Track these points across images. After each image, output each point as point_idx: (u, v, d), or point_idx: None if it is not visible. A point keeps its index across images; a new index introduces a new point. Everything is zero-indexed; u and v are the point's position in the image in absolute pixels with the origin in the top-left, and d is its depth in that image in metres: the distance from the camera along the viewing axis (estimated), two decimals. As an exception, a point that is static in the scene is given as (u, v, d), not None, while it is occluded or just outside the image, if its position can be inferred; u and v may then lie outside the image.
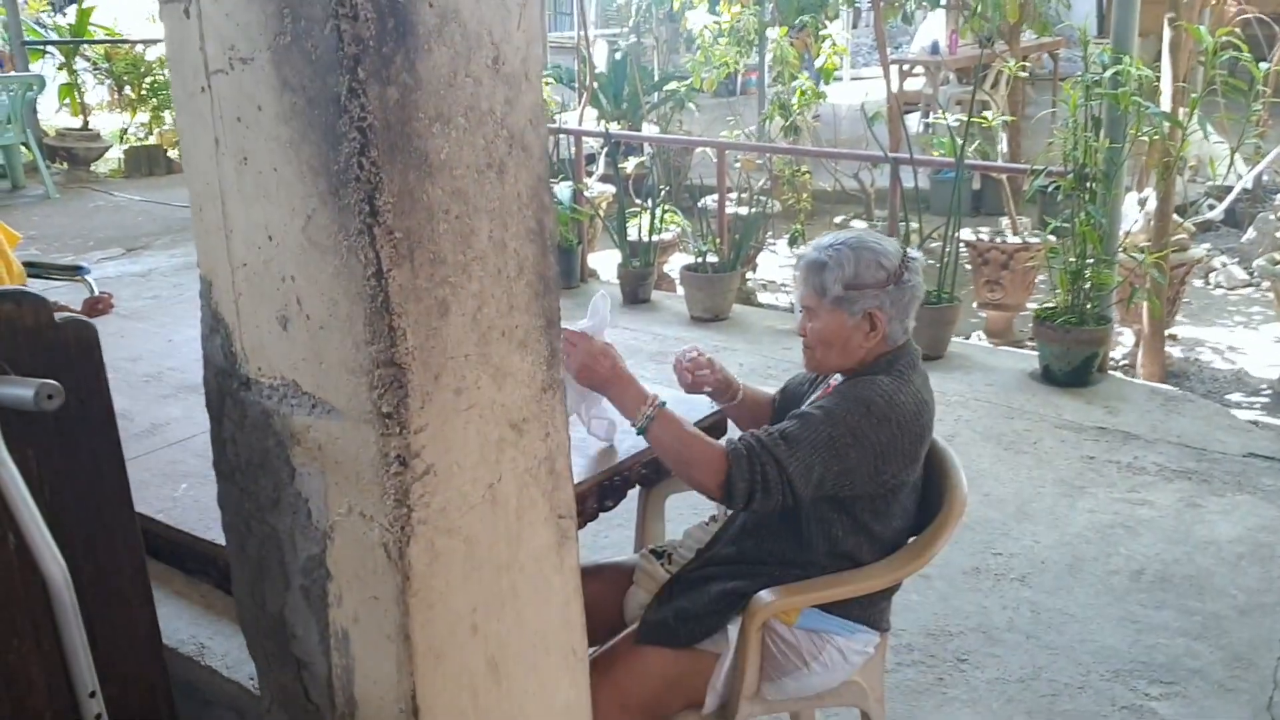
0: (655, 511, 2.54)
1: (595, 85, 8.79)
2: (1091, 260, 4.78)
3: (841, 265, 2.15)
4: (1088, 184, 4.75)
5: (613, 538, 3.41)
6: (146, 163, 10.17)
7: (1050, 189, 4.85)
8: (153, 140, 10.57)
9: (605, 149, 6.84)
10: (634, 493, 2.36)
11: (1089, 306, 4.84)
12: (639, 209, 6.41)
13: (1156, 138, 4.81)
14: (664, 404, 2.07)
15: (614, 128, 7.73)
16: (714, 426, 2.48)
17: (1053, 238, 5.18)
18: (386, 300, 1.16)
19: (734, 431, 2.35)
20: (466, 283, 1.25)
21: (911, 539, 2.20)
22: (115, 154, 10.58)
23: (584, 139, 6.91)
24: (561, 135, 6.62)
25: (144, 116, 10.72)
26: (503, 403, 1.33)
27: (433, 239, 1.20)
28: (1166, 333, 5.43)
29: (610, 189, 7.03)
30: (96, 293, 3.47)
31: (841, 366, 2.20)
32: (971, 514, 3.82)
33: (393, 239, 1.16)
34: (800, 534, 2.10)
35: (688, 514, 3.23)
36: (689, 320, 5.93)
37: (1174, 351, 5.71)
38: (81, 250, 7.52)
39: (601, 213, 6.81)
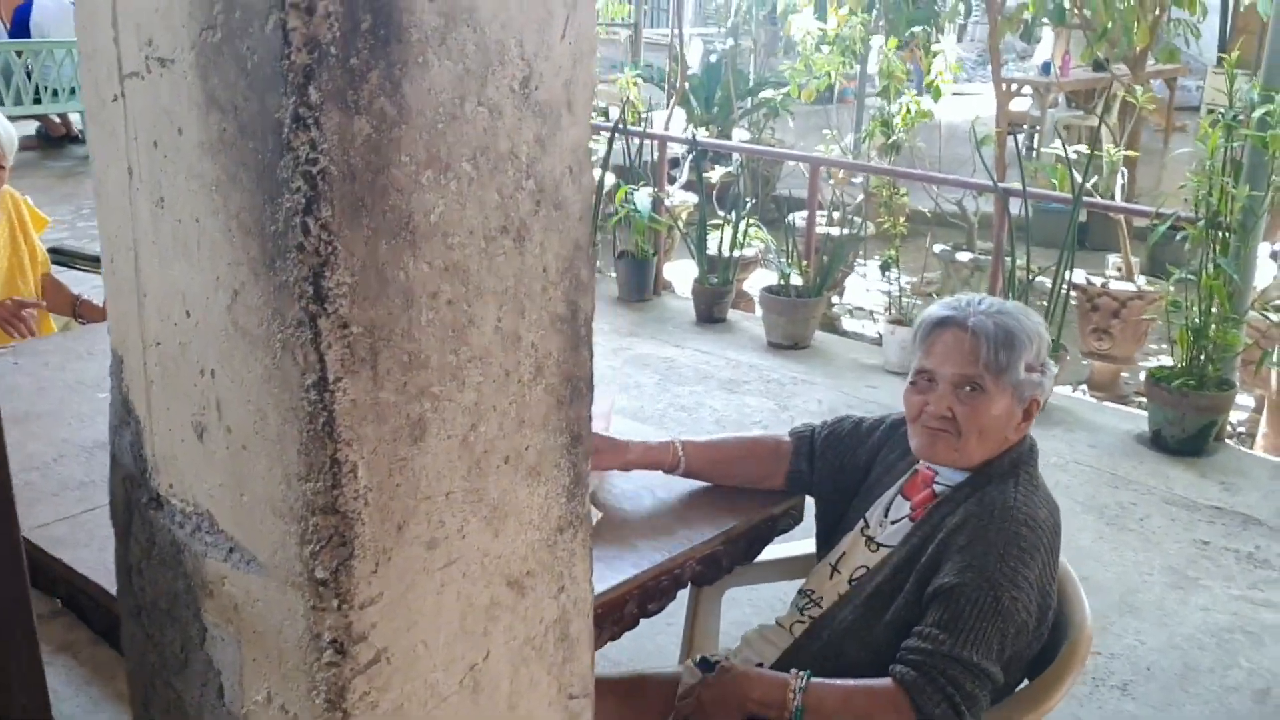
0: (709, 610, 2.17)
1: (686, 87, 8.42)
2: (1217, 318, 4.29)
3: (1032, 341, 1.81)
4: (1220, 233, 4.27)
5: (658, 641, 2.94)
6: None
7: (1177, 237, 4.38)
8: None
9: (690, 155, 6.46)
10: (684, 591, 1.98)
11: (1210, 369, 4.36)
12: (721, 221, 6.02)
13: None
14: (810, 675, 1.70)
15: (702, 133, 7.35)
16: (785, 514, 2.09)
17: (1172, 287, 4.70)
18: (330, 422, 0.81)
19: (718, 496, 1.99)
20: (457, 393, 0.89)
21: (1024, 681, 1.81)
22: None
23: (669, 144, 6.55)
24: (645, 139, 6.25)
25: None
26: (499, 554, 0.96)
27: (409, 335, 0.84)
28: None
29: (692, 198, 6.64)
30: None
31: (971, 461, 1.82)
32: (1068, 601, 3.39)
33: (346, 336, 0.80)
34: None
35: (748, 613, 2.85)
36: (766, 346, 5.53)
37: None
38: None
39: (681, 223, 6.43)
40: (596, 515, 1.91)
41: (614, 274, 6.30)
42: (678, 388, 4.95)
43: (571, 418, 1.02)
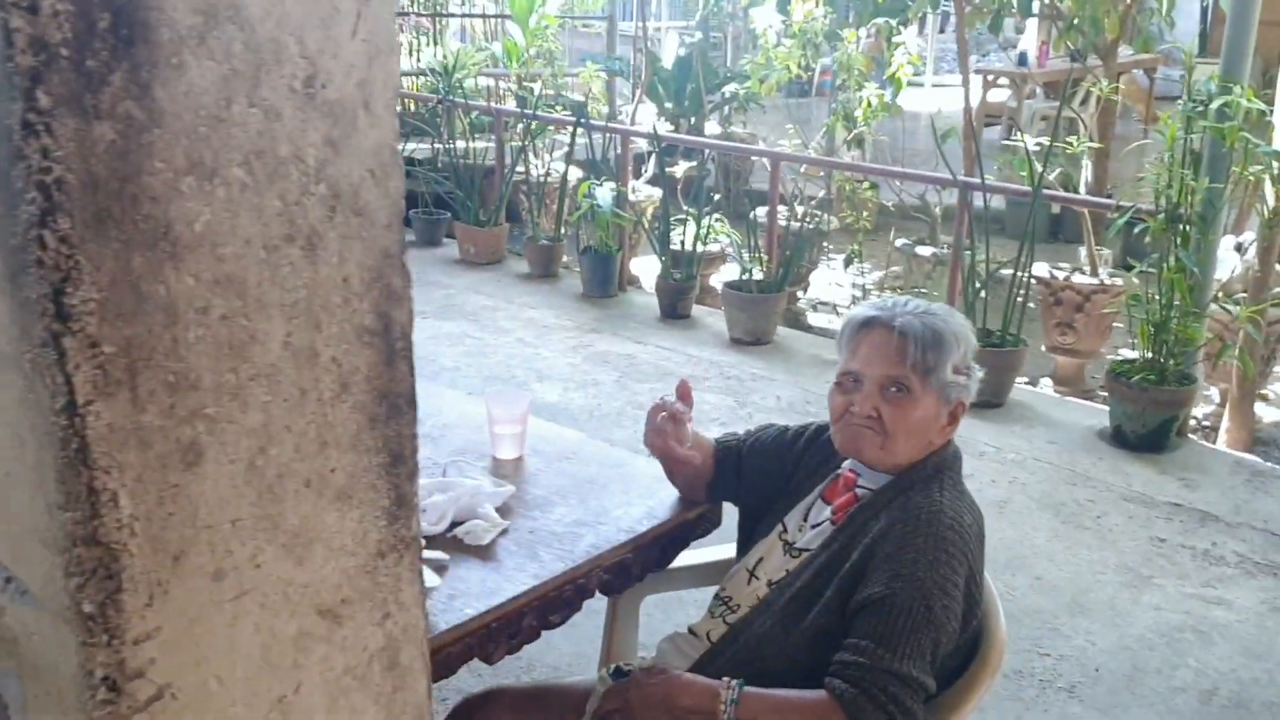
0: (626, 618, 2.11)
1: (655, 79, 8.36)
2: (1178, 312, 4.25)
3: (959, 343, 1.78)
4: (1180, 226, 4.22)
5: (565, 650, 2.82)
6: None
7: (1135, 230, 4.33)
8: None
9: (654, 150, 6.40)
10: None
11: (1171, 363, 4.32)
12: (685, 216, 5.97)
13: (1264, 178, 4.26)
14: (742, 685, 1.65)
15: (666, 127, 7.29)
16: (701, 519, 2.04)
17: (1136, 279, 4.66)
18: (84, 448, 0.75)
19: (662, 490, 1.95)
20: (239, 414, 0.83)
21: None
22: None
23: (639, 139, 6.49)
24: (608, 133, 6.19)
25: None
26: (305, 582, 0.91)
27: (174, 354, 0.78)
28: (1258, 393, 4.88)
29: (659, 193, 6.59)
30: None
31: (897, 463, 1.79)
32: (1020, 602, 3.35)
33: (97, 356, 0.74)
34: (819, 674, 1.67)
35: (665, 621, 2.81)
36: (728, 342, 5.48)
37: (1265, 414, 5.14)
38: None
39: (647, 218, 6.38)
40: (499, 526, 1.87)
41: (579, 270, 6.25)
42: (637, 385, 4.90)
43: (389, 436, 0.97)
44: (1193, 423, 4.74)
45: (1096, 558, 3.63)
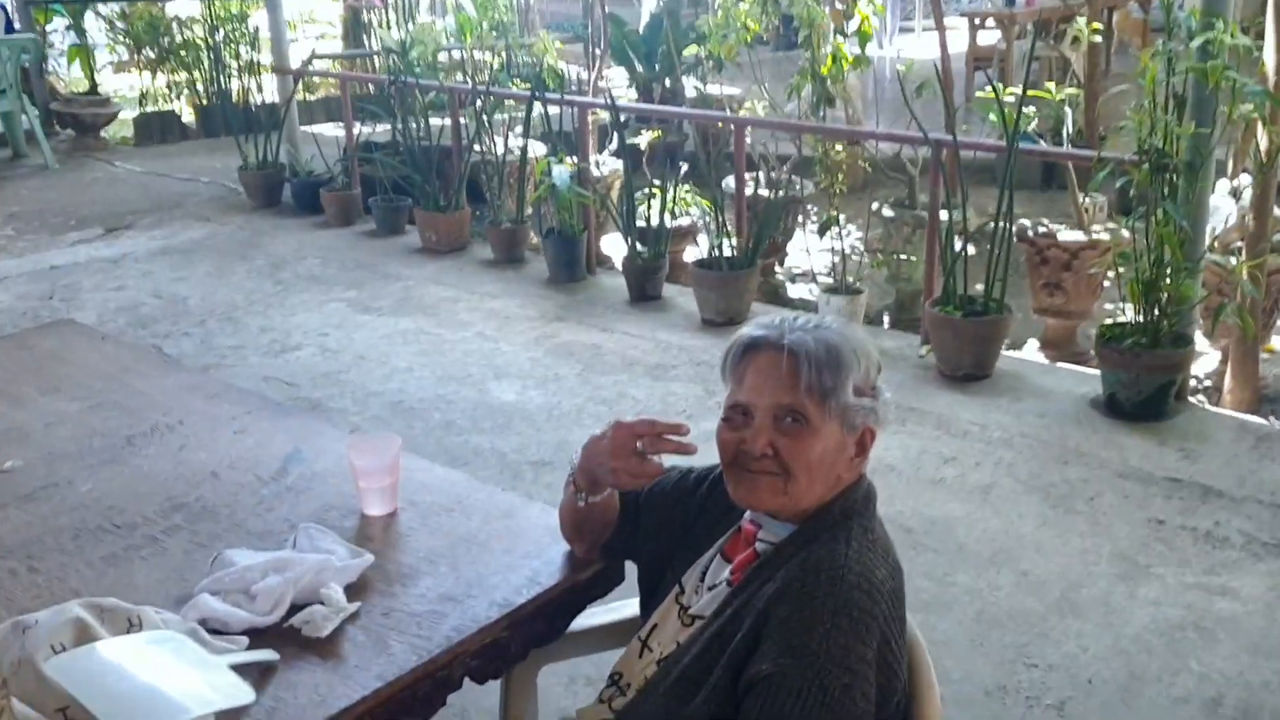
0: (522, 695, 1.83)
1: (625, 45, 8.02)
2: (1169, 268, 3.93)
3: (860, 360, 1.52)
4: (1167, 176, 3.89)
5: None
6: (159, 130, 9.61)
7: (1117, 184, 4.00)
8: (180, 104, 10.04)
9: (616, 121, 6.07)
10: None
11: (1165, 324, 4.00)
12: (651, 189, 5.65)
13: (1254, 119, 3.92)
14: None
15: (633, 95, 6.95)
16: (596, 579, 1.75)
17: (1126, 233, 4.33)
18: None
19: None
20: None
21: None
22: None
23: (600, 111, 6.16)
24: (564, 105, 5.86)
25: (164, 79, 10.18)
26: None
27: None
28: (1263, 347, 4.56)
29: (621, 164, 6.27)
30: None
31: (802, 508, 1.52)
32: (1005, 604, 3.06)
33: None
34: None
35: (568, 689, 2.53)
36: (699, 324, 5.18)
37: (1271, 368, 4.81)
38: (61, 230, 6.97)
39: (614, 194, 6.06)
40: (344, 612, 1.59)
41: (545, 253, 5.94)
42: (600, 378, 4.61)
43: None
44: (1194, 383, 4.42)
45: (1089, 546, 3.33)
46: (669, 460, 1.63)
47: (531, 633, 1.66)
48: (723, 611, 1.50)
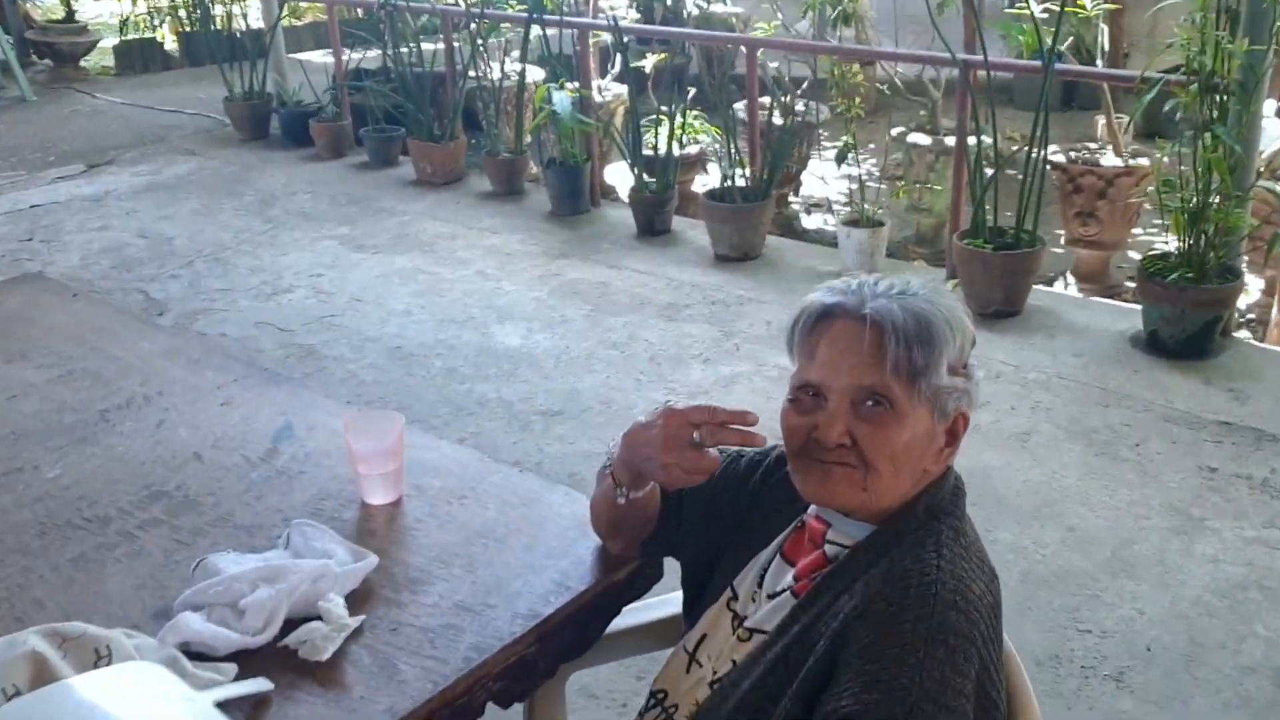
0: (550, 710, 1.62)
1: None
2: (1218, 196, 3.68)
3: (955, 333, 1.27)
4: (1217, 97, 3.62)
5: None
6: (141, 58, 9.24)
7: (1167, 106, 3.73)
8: (162, 31, 9.65)
9: (619, 43, 5.76)
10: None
11: (1212, 256, 3.76)
12: (658, 115, 5.35)
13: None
14: None
15: (635, 15, 6.61)
16: (634, 578, 1.53)
17: (1165, 158, 4.07)
18: None
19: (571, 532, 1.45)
20: None
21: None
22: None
23: (601, 33, 5.84)
24: (563, 28, 5.54)
25: (145, 5, 9.77)
26: None
27: None
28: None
29: (625, 89, 5.97)
30: None
31: (884, 506, 1.29)
32: (1053, 562, 2.86)
33: None
34: None
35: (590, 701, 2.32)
36: (712, 259, 4.93)
37: (1314, 299, 4.57)
38: (40, 166, 6.67)
39: (617, 121, 5.77)
40: (346, 629, 1.37)
41: (546, 185, 5.66)
42: (610, 319, 4.37)
43: None
44: (1236, 318, 4.19)
45: (1138, 498, 3.13)
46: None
47: (561, 645, 1.44)
48: (789, 628, 1.28)
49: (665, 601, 1.63)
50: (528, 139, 5.88)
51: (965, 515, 1.32)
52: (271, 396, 1.98)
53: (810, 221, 5.86)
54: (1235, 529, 2.98)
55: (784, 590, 1.34)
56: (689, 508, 1.48)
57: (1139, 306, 4.03)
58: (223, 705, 1.23)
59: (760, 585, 1.38)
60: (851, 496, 1.27)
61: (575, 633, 1.46)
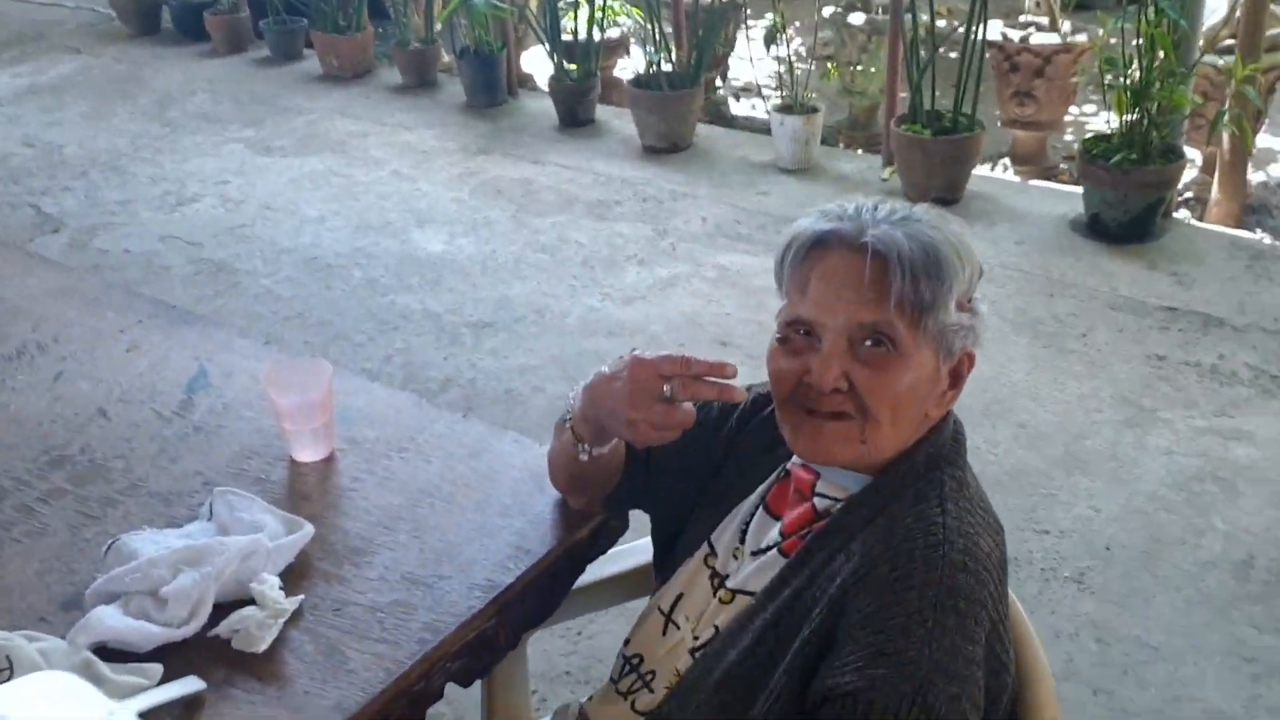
0: (512, 678, 1.50)
1: None
2: (1160, 73, 3.57)
3: (965, 265, 1.15)
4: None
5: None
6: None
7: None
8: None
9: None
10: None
11: (1155, 135, 3.67)
12: None
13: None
14: None
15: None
16: (598, 533, 1.40)
17: (1105, 34, 3.94)
18: None
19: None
20: None
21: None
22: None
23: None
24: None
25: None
26: None
27: None
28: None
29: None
30: None
31: (881, 456, 1.16)
32: (1005, 461, 2.81)
33: None
34: None
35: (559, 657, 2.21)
36: (641, 151, 4.73)
37: (1251, 176, 4.53)
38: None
39: (533, 6, 5.47)
40: (284, 613, 1.22)
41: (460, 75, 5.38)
42: (536, 220, 4.18)
43: None
44: (1175, 198, 4.12)
45: (1088, 390, 3.08)
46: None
47: (523, 615, 1.31)
48: (778, 591, 1.16)
49: (632, 550, 1.50)
50: (439, 27, 5.57)
51: (967, 464, 1.21)
52: (181, 338, 1.80)
53: (740, 108, 5.66)
54: (1186, 419, 2.94)
55: (770, 548, 1.22)
56: (658, 460, 1.34)
57: (1079, 190, 3.95)
58: (149, 714, 1.09)
59: (742, 541, 1.26)
60: (847, 450, 1.15)
61: (538, 599, 1.33)
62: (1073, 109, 5.04)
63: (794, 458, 1.24)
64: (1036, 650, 1.21)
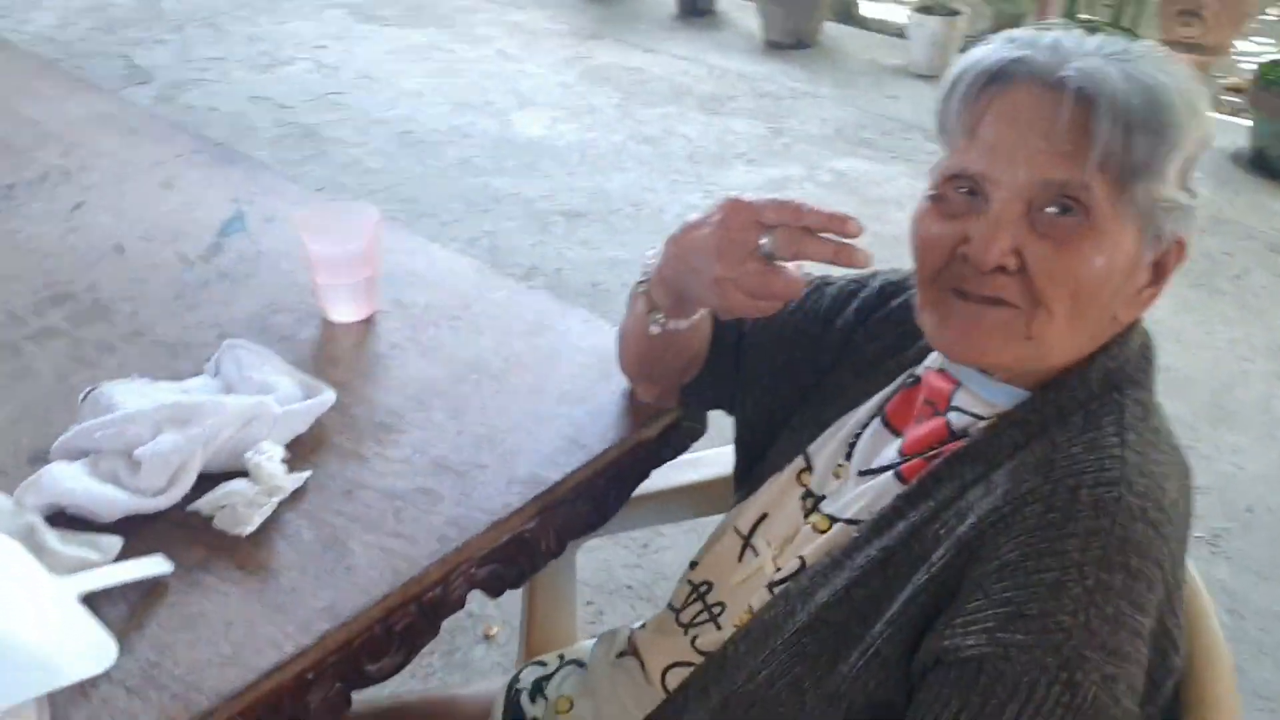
0: (555, 590, 1.28)
1: None
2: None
3: (1195, 120, 0.84)
4: None
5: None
6: None
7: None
8: None
9: None
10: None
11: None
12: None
13: None
14: None
15: None
16: (670, 434, 1.16)
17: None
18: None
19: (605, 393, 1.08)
20: None
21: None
22: None
23: None
24: None
25: None
26: None
27: None
28: None
29: None
30: None
31: (1048, 364, 0.89)
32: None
33: None
34: None
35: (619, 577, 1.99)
36: (762, 46, 4.40)
37: None
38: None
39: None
40: (279, 493, 1.01)
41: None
42: (643, 110, 3.90)
43: None
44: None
45: (1240, 336, 2.74)
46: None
47: (570, 520, 1.08)
48: (891, 524, 0.90)
49: (711, 459, 1.26)
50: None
51: (1154, 386, 0.93)
52: (224, 177, 1.59)
53: (870, 9, 5.27)
54: (1352, 378, 2.59)
55: (884, 469, 0.96)
56: (751, 346, 1.09)
57: (1245, 122, 3.53)
58: (93, 597, 0.89)
59: (848, 457, 1.00)
60: (1007, 348, 0.87)
61: (591, 503, 1.10)
62: (1236, 43, 4.57)
63: (926, 362, 0.98)
64: (1215, 632, 0.95)
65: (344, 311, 1.27)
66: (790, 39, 4.31)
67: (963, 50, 0.84)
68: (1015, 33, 0.88)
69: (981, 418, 0.91)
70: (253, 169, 1.62)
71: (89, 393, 1.08)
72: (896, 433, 0.98)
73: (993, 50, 0.87)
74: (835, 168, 3.44)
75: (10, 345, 1.23)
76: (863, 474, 0.98)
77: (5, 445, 1.08)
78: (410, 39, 4.49)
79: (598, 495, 1.10)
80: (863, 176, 3.39)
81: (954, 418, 0.93)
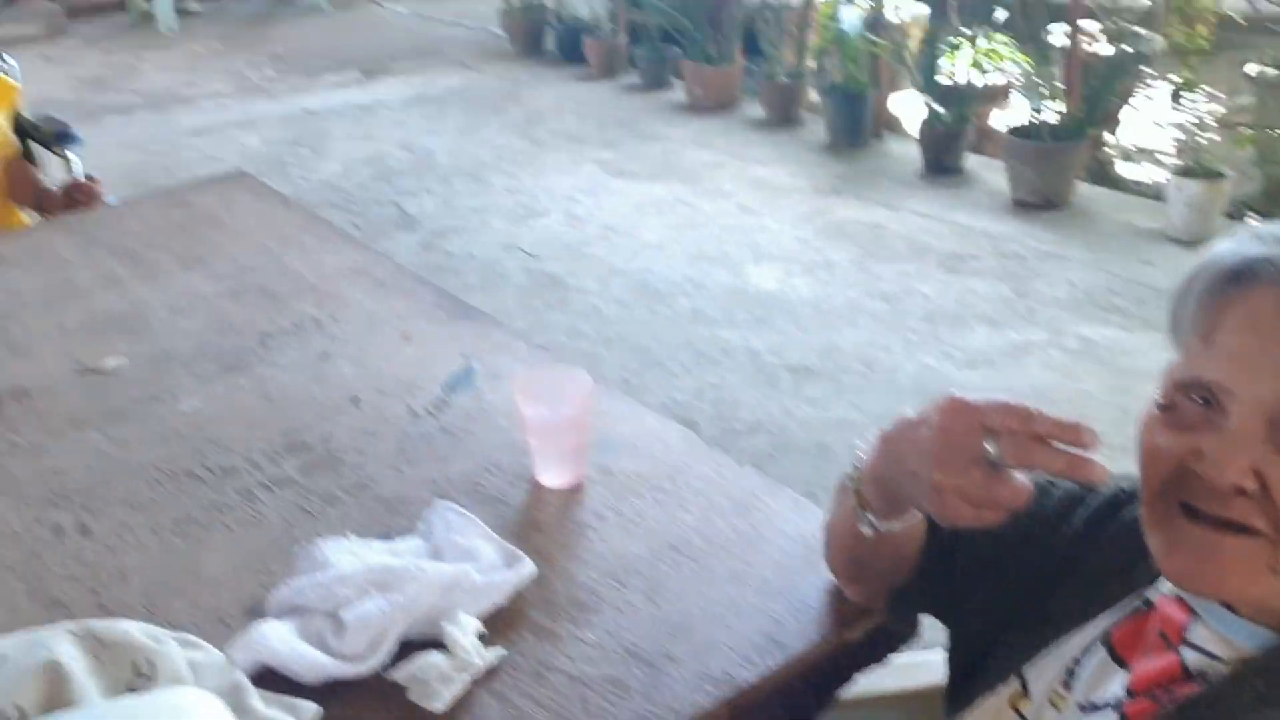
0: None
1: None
2: None
3: None
4: None
5: None
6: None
7: None
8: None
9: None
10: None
11: None
12: (958, 39, 4.73)
13: None
14: None
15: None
16: (875, 638, 1.10)
17: None
18: None
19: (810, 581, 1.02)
20: None
21: None
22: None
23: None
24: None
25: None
26: None
27: None
28: None
29: (925, 9, 5.35)
30: (78, 175, 2.44)
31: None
32: None
33: None
34: None
35: None
36: (1009, 205, 4.30)
37: None
38: (318, 72, 6.70)
39: (911, 45, 5.17)
40: (470, 669, 1.00)
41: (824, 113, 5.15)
42: (880, 266, 3.86)
43: None
44: None
45: None
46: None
47: (766, 721, 1.03)
48: (1117, 776, 0.81)
49: (920, 665, 1.19)
50: (809, 62, 5.38)
51: None
52: (459, 333, 1.65)
53: (1126, 170, 5.09)
54: None
55: (1107, 705, 0.87)
56: (968, 551, 1.03)
57: None
58: (287, 763, 0.90)
59: (1068, 686, 0.91)
60: (1249, 583, 0.78)
61: (785, 707, 1.04)
62: None
63: (1160, 585, 0.89)
64: None
65: (552, 476, 1.27)
66: (1039, 198, 4.20)
67: (1228, 215, 0.78)
68: (1262, 228, 0.81)
69: (1221, 659, 0.81)
70: (485, 325, 1.68)
71: (305, 549, 1.11)
72: (1123, 664, 0.88)
73: (1236, 247, 0.80)
74: (1082, 334, 3.29)
75: (245, 491, 1.29)
76: (1083, 708, 0.89)
77: (228, 593, 1.12)
78: (655, 193, 4.63)
79: (795, 699, 1.05)
80: (1113, 345, 3.22)
81: (1189, 655, 0.83)
